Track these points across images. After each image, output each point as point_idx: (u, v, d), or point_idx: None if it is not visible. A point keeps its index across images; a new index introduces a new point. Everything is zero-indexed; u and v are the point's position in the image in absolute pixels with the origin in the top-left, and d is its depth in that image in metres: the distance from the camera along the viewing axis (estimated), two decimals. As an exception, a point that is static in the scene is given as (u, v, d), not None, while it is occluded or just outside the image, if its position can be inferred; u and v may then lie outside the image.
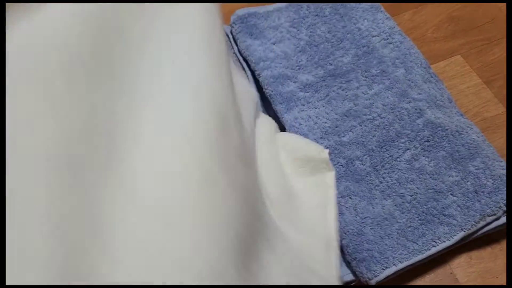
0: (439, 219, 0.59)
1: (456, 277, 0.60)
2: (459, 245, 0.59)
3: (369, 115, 0.69)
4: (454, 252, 0.61)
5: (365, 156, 0.64)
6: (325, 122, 0.67)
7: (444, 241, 0.58)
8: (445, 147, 0.64)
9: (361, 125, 0.67)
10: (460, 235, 0.58)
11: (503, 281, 0.58)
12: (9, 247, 0.24)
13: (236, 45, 0.76)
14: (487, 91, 0.75)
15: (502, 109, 0.73)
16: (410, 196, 0.61)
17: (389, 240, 0.58)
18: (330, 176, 0.57)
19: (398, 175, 0.63)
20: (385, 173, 0.63)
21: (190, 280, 0.27)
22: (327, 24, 0.76)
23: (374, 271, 0.56)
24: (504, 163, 0.62)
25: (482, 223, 0.58)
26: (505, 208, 0.58)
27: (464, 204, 0.59)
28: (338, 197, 0.60)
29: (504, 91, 0.74)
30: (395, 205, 0.60)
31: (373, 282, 0.56)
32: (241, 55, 0.75)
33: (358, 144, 0.65)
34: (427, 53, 0.76)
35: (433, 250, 0.57)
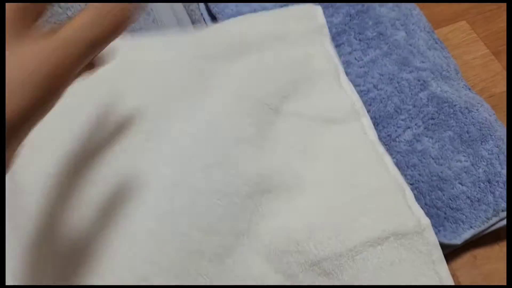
0: (445, 213, 0.49)
1: (459, 280, 0.50)
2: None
3: (363, 86, 0.58)
4: (456, 251, 0.51)
5: (359, 135, 0.53)
6: (312, 92, 0.56)
7: (450, 240, 0.48)
8: (453, 126, 0.53)
9: (354, 97, 0.56)
10: (469, 233, 0.48)
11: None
12: None
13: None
14: (496, 64, 0.65)
15: (512, 85, 0.63)
16: (411, 184, 0.51)
17: (386, 238, 0.47)
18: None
19: (397, 159, 0.52)
20: (381, 155, 0.52)
21: None
22: (316, -25, 0.63)
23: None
24: (519, 148, 0.53)
25: (495, 219, 0.49)
26: (522, 202, 0.49)
27: (474, 196, 0.49)
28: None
29: (514, 64, 0.64)
30: (393, 195, 0.50)
31: None
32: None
33: (350, 119, 0.54)
34: (428, 17, 0.65)
35: (437, 250, 0.48)
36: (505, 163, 0.51)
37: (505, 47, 0.66)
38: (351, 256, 0.44)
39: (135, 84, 0.54)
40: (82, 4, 0.60)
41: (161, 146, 0.51)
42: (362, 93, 0.57)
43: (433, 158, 0.52)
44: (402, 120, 0.55)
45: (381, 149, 0.51)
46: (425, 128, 0.54)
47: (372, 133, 0.52)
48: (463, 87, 0.58)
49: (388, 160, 0.49)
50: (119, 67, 0.47)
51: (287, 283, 0.45)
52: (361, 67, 0.59)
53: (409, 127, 0.54)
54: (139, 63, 0.55)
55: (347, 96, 0.54)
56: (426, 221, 0.45)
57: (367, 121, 0.52)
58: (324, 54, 0.57)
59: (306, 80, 0.55)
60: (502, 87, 0.63)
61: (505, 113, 0.60)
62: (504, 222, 0.49)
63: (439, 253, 0.44)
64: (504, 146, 0.52)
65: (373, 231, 0.44)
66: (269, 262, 0.45)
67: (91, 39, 0.26)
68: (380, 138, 0.53)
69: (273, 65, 0.56)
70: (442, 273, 0.43)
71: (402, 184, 0.47)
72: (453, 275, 0.51)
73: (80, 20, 0.26)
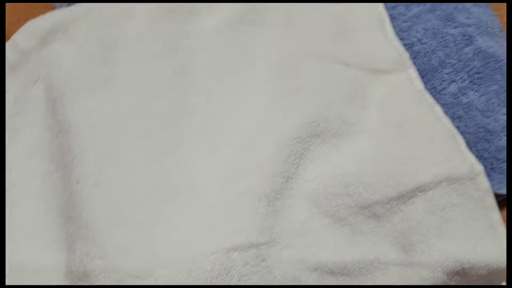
0: (491, 164, 0.49)
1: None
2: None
3: (406, 39, 0.57)
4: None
5: (404, 86, 0.53)
6: (357, 43, 0.55)
7: (497, 190, 0.48)
8: (499, 80, 0.53)
9: (399, 50, 0.55)
10: (516, 183, 0.48)
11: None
12: None
13: None
14: (537, 26, 0.64)
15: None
16: (456, 130, 0.50)
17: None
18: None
19: (443, 111, 0.52)
20: (427, 107, 0.52)
21: None
22: None
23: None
24: None
25: (543, 170, 0.48)
26: None
27: (521, 148, 0.49)
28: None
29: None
30: (439, 145, 0.50)
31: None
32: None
33: (395, 71, 0.54)
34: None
35: (484, 200, 0.48)
36: (553, 117, 0.50)
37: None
38: (402, 201, 0.44)
39: None
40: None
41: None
42: (406, 47, 0.56)
43: (479, 111, 0.52)
44: (447, 74, 0.54)
45: (430, 98, 0.51)
46: (470, 82, 0.54)
47: (419, 83, 0.51)
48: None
49: (438, 109, 0.49)
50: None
51: (336, 226, 0.45)
52: (404, 22, 0.58)
53: (454, 81, 0.54)
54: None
55: (394, 46, 0.53)
56: (479, 167, 0.45)
57: (413, 72, 0.52)
58: (368, 5, 0.56)
59: (352, 29, 0.55)
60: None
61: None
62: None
63: (491, 199, 0.44)
64: (551, 101, 0.52)
65: (425, 176, 0.44)
66: (317, 206, 0.45)
67: None
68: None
69: (317, 15, 0.56)
70: (494, 219, 0.43)
71: (454, 131, 0.47)
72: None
73: None
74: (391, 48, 0.53)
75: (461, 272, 0.42)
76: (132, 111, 0.49)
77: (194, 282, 0.40)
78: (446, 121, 0.48)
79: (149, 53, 0.53)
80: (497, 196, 0.48)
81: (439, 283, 0.42)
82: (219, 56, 0.53)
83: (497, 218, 0.43)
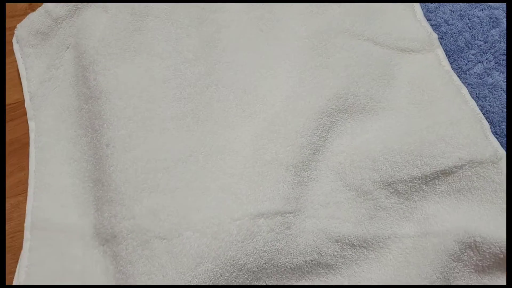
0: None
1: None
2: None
3: (434, 20, 0.58)
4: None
5: (430, 65, 0.53)
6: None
7: (519, 168, 0.48)
8: (525, 62, 0.53)
9: (426, 29, 0.55)
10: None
11: None
12: None
13: None
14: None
15: None
16: (482, 114, 0.51)
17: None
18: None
19: (468, 90, 0.53)
20: (453, 86, 0.52)
21: None
22: None
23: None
24: None
25: None
26: None
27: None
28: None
29: None
30: (464, 123, 0.50)
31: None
32: None
33: (422, 50, 0.54)
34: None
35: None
36: None
37: None
38: (425, 181, 0.45)
39: None
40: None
41: None
42: (433, 28, 0.57)
43: (504, 91, 0.52)
44: (473, 54, 0.55)
45: (457, 80, 0.51)
46: (496, 63, 0.54)
47: (447, 64, 0.52)
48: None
49: (465, 91, 0.49)
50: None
51: (359, 200, 0.45)
52: (432, 3, 0.59)
53: (479, 62, 0.54)
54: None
55: (422, 26, 0.54)
56: (502, 151, 0.45)
57: (441, 52, 0.53)
58: None
59: (381, 9, 0.55)
60: None
61: None
62: None
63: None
64: None
65: (450, 159, 0.44)
66: (342, 180, 0.46)
67: None
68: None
69: None
70: None
71: (479, 115, 0.48)
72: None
73: None
74: (420, 28, 0.54)
75: (473, 246, 0.42)
76: (163, 79, 0.50)
77: (220, 245, 0.41)
78: (472, 104, 0.49)
79: (180, 24, 0.53)
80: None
81: (451, 254, 0.42)
82: (247, 30, 0.54)
83: None
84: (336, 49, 0.51)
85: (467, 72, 0.54)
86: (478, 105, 0.52)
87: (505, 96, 0.52)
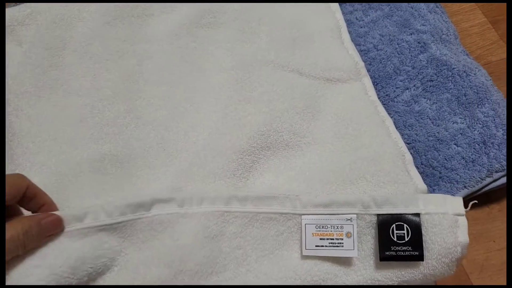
0: (440, 172, 0.49)
1: (449, 240, 0.51)
2: (456, 204, 0.51)
3: (363, 45, 0.57)
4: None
5: (358, 93, 0.53)
6: (312, 49, 0.55)
7: (444, 198, 0.49)
8: (450, 89, 0.54)
9: (354, 56, 0.55)
10: (463, 192, 0.49)
11: (500, 245, 0.51)
12: None
13: None
14: (493, 32, 0.65)
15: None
16: (408, 144, 0.51)
17: (381, 194, 0.48)
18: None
19: (395, 119, 0.52)
20: (380, 114, 0.52)
21: None
22: None
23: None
24: (514, 113, 0.53)
25: (489, 180, 0.49)
26: (515, 164, 0.50)
27: (469, 157, 0.50)
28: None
29: None
30: (390, 153, 0.50)
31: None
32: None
33: (350, 78, 0.54)
34: (428, -17, 0.64)
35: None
36: (501, 126, 0.51)
37: (502, 16, 0.66)
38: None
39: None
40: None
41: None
42: (362, 53, 0.56)
43: (430, 119, 0.52)
44: (401, 81, 0.55)
45: (382, 111, 0.51)
46: (423, 90, 0.54)
47: (373, 94, 0.51)
48: (461, 52, 0.58)
49: (389, 122, 0.49)
50: None
51: None
52: (361, 27, 0.58)
53: (407, 88, 0.54)
54: None
55: (349, 55, 0.53)
56: (423, 187, 0.45)
57: (368, 81, 0.52)
58: (326, 10, 0.56)
59: (308, 37, 0.55)
60: (499, 55, 0.63)
61: (502, 80, 0.61)
62: (497, 183, 0.50)
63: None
64: (500, 110, 0.52)
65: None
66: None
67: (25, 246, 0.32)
68: (378, 98, 0.53)
69: (274, 21, 0.55)
70: None
71: (403, 148, 0.47)
72: (444, 235, 0.51)
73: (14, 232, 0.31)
74: (346, 56, 0.53)
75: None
76: (80, 118, 0.48)
77: None
78: (396, 137, 0.48)
79: (98, 58, 0.51)
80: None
81: None
82: (171, 61, 0.52)
83: None
84: (260, 82, 0.50)
85: (395, 100, 0.54)
86: (404, 134, 0.52)
87: (431, 125, 0.52)
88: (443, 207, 0.40)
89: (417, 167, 0.49)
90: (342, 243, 0.39)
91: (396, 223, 0.40)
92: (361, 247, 0.40)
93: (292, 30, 0.55)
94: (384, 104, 0.53)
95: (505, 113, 0.52)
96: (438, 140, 0.51)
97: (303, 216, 0.40)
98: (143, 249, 0.37)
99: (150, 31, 0.54)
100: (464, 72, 0.54)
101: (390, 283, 0.39)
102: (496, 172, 0.49)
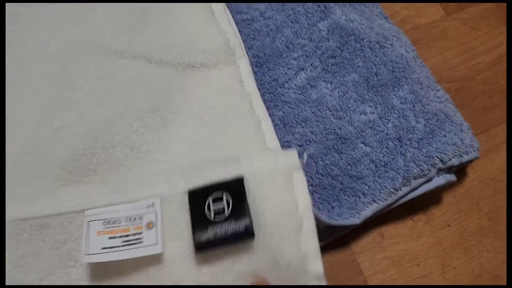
0: (341, 183, 0.37)
1: (360, 268, 0.39)
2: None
3: (245, 13, 0.43)
4: (361, 229, 0.40)
5: (233, 80, 0.39)
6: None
7: (347, 218, 0.36)
8: (359, 66, 0.40)
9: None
10: (371, 209, 0.36)
11: (424, 269, 0.39)
12: None
13: None
14: (422, -14, 0.51)
15: (441, 13, 0.50)
16: (299, 146, 0.38)
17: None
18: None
19: (284, 112, 0.39)
20: (263, 108, 0.38)
21: None
22: None
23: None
24: (442, 93, 0.40)
25: (406, 189, 0.37)
26: (440, 165, 0.37)
27: (380, 159, 0.37)
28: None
29: (445, -12, 0.51)
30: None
31: None
32: None
33: (223, 59, 0.40)
34: None
35: (330, 234, 0.36)
36: (422, 114, 0.38)
37: (435, -34, 0.52)
38: None
39: None
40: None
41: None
42: (244, 23, 0.42)
43: (330, 110, 0.39)
44: (295, 59, 0.41)
45: (259, 108, 0.36)
46: (323, 70, 0.41)
47: (250, 82, 0.37)
48: (377, 15, 0.44)
49: (267, 125, 0.35)
50: None
51: None
52: (245, -11, 0.44)
53: (302, 69, 0.41)
54: None
55: (220, 29, 0.39)
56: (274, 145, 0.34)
57: (245, 65, 0.38)
58: None
59: (163, 8, 0.40)
60: (429, 16, 0.50)
61: (432, 49, 0.48)
62: (417, 192, 0.38)
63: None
64: (422, 92, 0.39)
65: None
66: None
67: None
68: (262, 84, 0.40)
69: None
70: None
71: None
72: (353, 261, 0.39)
73: None
74: (215, 31, 0.39)
75: None
76: None
77: None
78: (274, 147, 0.34)
79: None
80: (346, 227, 0.37)
81: None
82: None
83: None
84: (86, 77, 0.36)
85: (286, 85, 0.40)
86: (295, 132, 0.38)
87: (332, 118, 0.39)
88: (272, 162, 0.31)
89: (310, 178, 0.37)
90: (141, 239, 0.28)
91: (213, 196, 0.29)
92: (171, 241, 0.29)
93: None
94: (270, 93, 0.40)
95: (429, 95, 0.40)
96: (340, 138, 0.38)
97: (86, 212, 0.29)
98: None
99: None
100: (377, 43, 0.41)
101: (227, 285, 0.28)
102: (415, 178, 0.37)
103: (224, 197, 0.29)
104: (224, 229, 0.28)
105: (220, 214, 0.29)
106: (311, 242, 0.29)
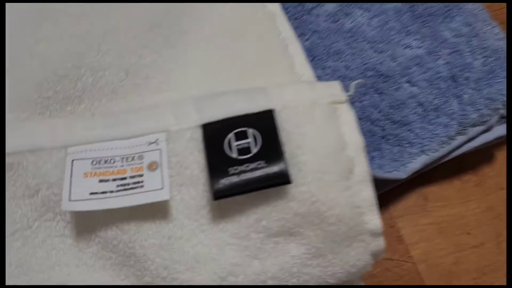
0: (383, 129, 0.30)
1: (401, 234, 0.33)
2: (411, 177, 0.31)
3: None
4: (400, 189, 0.33)
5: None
6: None
7: (390, 171, 0.29)
8: (402, -8, 0.33)
9: None
10: (420, 161, 0.30)
11: (477, 240, 0.32)
12: None
13: None
14: None
15: None
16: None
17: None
18: None
19: (312, 42, 0.32)
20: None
21: None
22: None
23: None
24: (499, 30, 0.33)
25: (461, 139, 0.30)
26: (503, 111, 0.30)
27: (430, 102, 0.30)
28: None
29: None
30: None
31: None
32: None
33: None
34: None
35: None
36: (479, 50, 0.31)
37: None
38: None
39: None
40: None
41: None
42: None
43: (368, 42, 0.32)
44: (323, -18, 0.34)
45: (285, 29, 0.29)
46: (358, -4, 0.33)
47: (275, 4, 0.29)
48: None
49: (296, 49, 0.27)
50: None
51: None
52: None
53: (333, -6, 0.33)
54: None
55: None
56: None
57: None
58: None
59: None
60: None
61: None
62: (475, 143, 0.31)
63: None
64: (479, 25, 0.32)
65: None
66: None
67: None
68: (285, 9, 0.32)
69: None
70: None
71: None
72: (392, 227, 0.33)
73: None
74: None
75: None
76: None
77: None
78: (306, 74, 0.27)
79: None
80: (390, 182, 0.30)
81: None
82: None
83: None
84: None
85: (313, 12, 0.33)
86: (326, 67, 0.31)
87: (369, 51, 0.31)
88: (309, 93, 0.24)
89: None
90: (142, 182, 0.22)
91: (235, 131, 0.23)
92: (180, 186, 0.22)
93: None
94: (296, 19, 0.32)
95: (485, 30, 0.33)
96: (380, 75, 0.31)
97: (69, 149, 0.23)
98: None
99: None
100: (424, -35, 0.34)
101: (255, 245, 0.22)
102: (473, 126, 0.30)
103: (250, 133, 0.22)
104: (250, 172, 0.21)
105: (244, 153, 0.22)
106: (366, 191, 0.22)
